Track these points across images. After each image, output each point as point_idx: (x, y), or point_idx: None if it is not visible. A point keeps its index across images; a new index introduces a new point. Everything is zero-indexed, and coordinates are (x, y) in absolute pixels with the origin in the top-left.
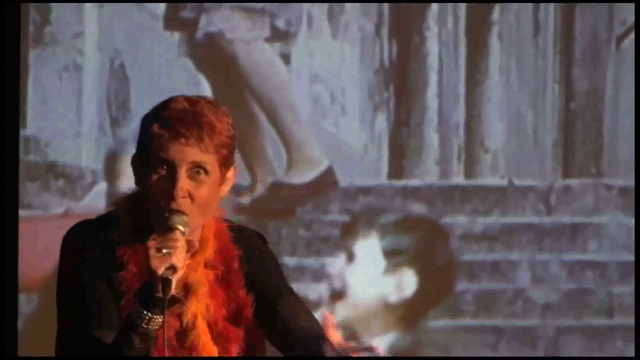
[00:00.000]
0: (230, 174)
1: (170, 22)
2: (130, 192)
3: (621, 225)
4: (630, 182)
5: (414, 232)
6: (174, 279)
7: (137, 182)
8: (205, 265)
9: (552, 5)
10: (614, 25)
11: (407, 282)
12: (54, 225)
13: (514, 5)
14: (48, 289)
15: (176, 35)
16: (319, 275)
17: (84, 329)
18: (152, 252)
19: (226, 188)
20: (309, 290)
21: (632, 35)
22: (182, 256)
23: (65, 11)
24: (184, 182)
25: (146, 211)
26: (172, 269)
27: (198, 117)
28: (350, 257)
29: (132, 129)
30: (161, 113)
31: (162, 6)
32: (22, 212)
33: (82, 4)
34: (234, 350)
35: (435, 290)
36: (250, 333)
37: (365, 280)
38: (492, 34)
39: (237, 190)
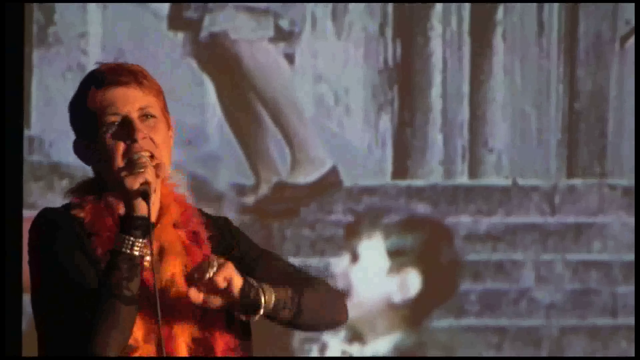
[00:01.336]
0: (171, 122)
1: (174, 22)
2: (86, 179)
3: (625, 225)
4: (634, 181)
5: (418, 232)
6: (151, 196)
7: (88, 161)
8: (174, 226)
9: (556, 6)
10: (618, 25)
11: (411, 282)
12: None
13: (518, 5)
14: None
15: (180, 36)
16: (324, 275)
17: (70, 301)
18: (123, 174)
19: (171, 139)
20: None
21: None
22: (153, 175)
23: (69, 11)
24: (140, 125)
25: (105, 183)
26: (147, 184)
27: (126, 67)
28: (355, 257)
29: None
30: (90, 79)
31: (166, 6)
32: (26, 213)
33: (85, 4)
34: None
35: (439, 290)
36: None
37: (370, 280)
38: (496, 34)
39: (240, 190)
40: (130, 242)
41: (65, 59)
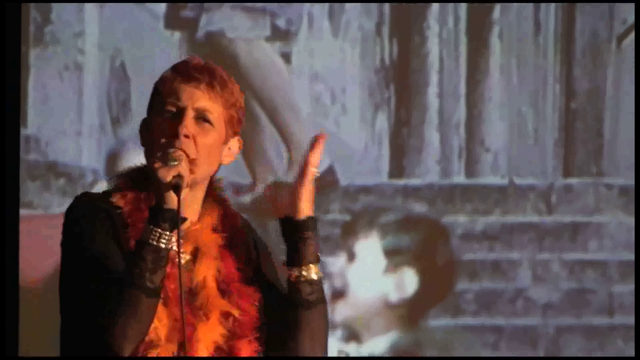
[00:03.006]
0: (234, 143)
1: (171, 21)
2: (134, 166)
3: (622, 224)
4: (631, 181)
5: (415, 231)
6: (183, 189)
7: (143, 142)
8: (213, 230)
9: (552, 5)
10: (615, 25)
11: (408, 281)
12: (54, 225)
13: (515, 4)
14: (49, 288)
15: (177, 35)
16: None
17: (99, 283)
18: (157, 165)
19: (228, 157)
20: None
21: (633, 35)
22: (187, 169)
23: (66, 10)
24: (189, 123)
25: (149, 170)
26: (180, 177)
27: (212, 70)
28: (351, 257)
29: (133, 128)
30: (176, 65)
31: (162, 5)
32: (22, 212)
33: (82, 3)
34: (251, 309)
35: (435, 290)
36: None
37: (366, 279)
38: (493, 34)
39: (237, 189)
40: (158, 234)
41: (62, 58)
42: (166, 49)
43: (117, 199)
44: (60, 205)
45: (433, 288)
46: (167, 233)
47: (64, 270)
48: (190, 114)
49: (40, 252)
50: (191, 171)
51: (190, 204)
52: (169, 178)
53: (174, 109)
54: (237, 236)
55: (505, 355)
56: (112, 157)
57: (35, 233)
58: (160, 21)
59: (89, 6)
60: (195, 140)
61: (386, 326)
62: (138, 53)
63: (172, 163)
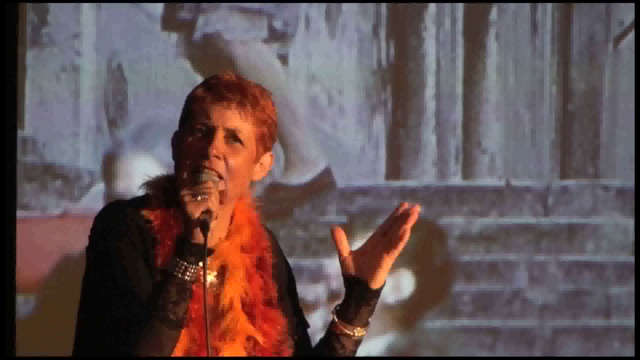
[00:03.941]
0: (266, 159)
1: (168, 22)
2: (165, 174)
3: (618, 226)
4: (628, 182)
5: (412, 232)
6: (211, 224)
7: (174, 156)
8: (242, 249)
9: (549, 6)
10: (612, 26)
11: (405, 282)
12: (51, 226)
13: (512, 5)
14: (46, 290)
15: (174, 36)
16: (317, 276)
17: (123, 304)
18: (186, 199)
19: (260, 173)
20: (307, 291)
21: (630, 36)
22: (217, 202)
23: (63, 12)
24: (219, 143)
25: (179, 184)
26: (208, 213)
27: (244, 87)
28: None
29: (129, 129)
30: (208, 81)
31: (159, 7)
32: (19, 213)
33: (79, 4)
34: (273, 333)
35: (432, 291)
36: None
37: None
38: (490, 35)
39: None
40: (183, 267)
41: (59, 60)
42: (163, 51)
43: (146, 212)
44: (57, 207)
45: (430, 289)
46: (193, 266)
47: (88, 277)
48: (220, 134)
49: (37, 254)
50: (221, 202)
51: (219, 221)
52: (197, 214)
53: (204, 129)
54: (265, 257)
55: (502, 356)
56: (109, 159)
57: (32, 234)
58: (157, 23)
59: (85, 8)
60: (226, 160)
61: (383, 328)
62: (135, 55)
63: (202, 197)
